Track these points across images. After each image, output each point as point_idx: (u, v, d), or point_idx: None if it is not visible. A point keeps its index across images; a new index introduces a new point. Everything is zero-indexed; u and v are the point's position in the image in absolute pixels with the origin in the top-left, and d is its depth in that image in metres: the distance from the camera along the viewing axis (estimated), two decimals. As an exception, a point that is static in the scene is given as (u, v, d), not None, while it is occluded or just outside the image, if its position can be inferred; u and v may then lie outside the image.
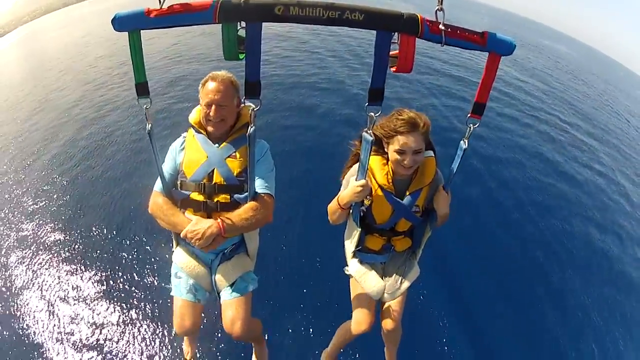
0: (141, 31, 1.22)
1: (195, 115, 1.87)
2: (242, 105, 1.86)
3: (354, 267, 2.04)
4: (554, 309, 4.06)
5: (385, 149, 1.80)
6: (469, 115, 1.50)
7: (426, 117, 1.74)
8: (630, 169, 8.47)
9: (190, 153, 1.83)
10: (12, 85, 10.89)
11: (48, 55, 13.92)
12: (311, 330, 3.25)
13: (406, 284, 2.01)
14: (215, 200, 1.79)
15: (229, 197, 1.79)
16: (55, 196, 5.00)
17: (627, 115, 14.68)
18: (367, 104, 1.36)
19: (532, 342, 3.67)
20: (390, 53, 1.29)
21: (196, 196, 1.79)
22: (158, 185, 1.83)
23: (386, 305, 2.00)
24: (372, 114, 1.41)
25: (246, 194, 1.77)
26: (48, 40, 18.22)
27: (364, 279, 2.00)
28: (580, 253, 4.96)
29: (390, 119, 1.74)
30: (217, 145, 1.82)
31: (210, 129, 1.81)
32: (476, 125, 1.51)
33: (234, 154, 1.80)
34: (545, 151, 7.60)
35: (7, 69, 13.59)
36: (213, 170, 1.79)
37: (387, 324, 1.97)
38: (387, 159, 1.81)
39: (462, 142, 1.59)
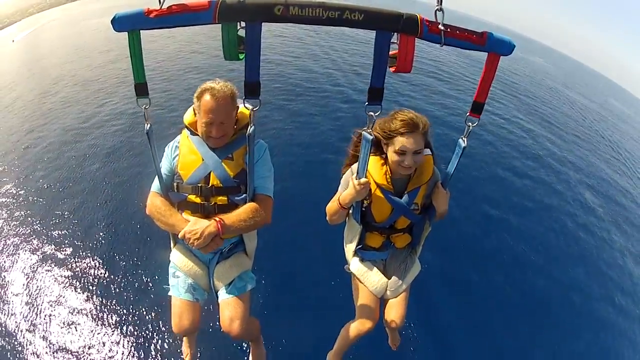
0: (141, 31, 1.21)
1: (190, 116, 1.83)
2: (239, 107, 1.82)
3: (355, 265, 2.05)
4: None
5: (384, 150, 1.81)
6: (467, 114, 1.51)
7: (425, 118, 1.75)
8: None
9: (185, 155, 1.81)
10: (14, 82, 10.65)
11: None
12: (310, 329, 3.23)
13: (408, 280, 2.02)
14: (213, 202, 1.79)
15: (226, 199, 1.79)
16: (50, 196, 4.94)
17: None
18: (366, 103, 1.37)
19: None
20: (390, 53, 1.30)
21: (193, 198, 1.79)
22: (155, 185, 1.82)
23: (390, 302, 2.01)
24: (372, 113, 1.41)
25: (244, 195, 1.77)
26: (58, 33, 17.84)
27: (365, 276, 2.00)
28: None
29: (390, 120, 1.74)
30: (213, 147, 1.80)
31: (210, 144, 1.78)
32: (475, 124, 1.52)
33: (230, 156, 1.79)
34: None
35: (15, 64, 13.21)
36: (209, 173, 1.77)
37: (391, 321, 1.97)
38: (385, 159, 1.82)
39: (460, 140, 1.60)
